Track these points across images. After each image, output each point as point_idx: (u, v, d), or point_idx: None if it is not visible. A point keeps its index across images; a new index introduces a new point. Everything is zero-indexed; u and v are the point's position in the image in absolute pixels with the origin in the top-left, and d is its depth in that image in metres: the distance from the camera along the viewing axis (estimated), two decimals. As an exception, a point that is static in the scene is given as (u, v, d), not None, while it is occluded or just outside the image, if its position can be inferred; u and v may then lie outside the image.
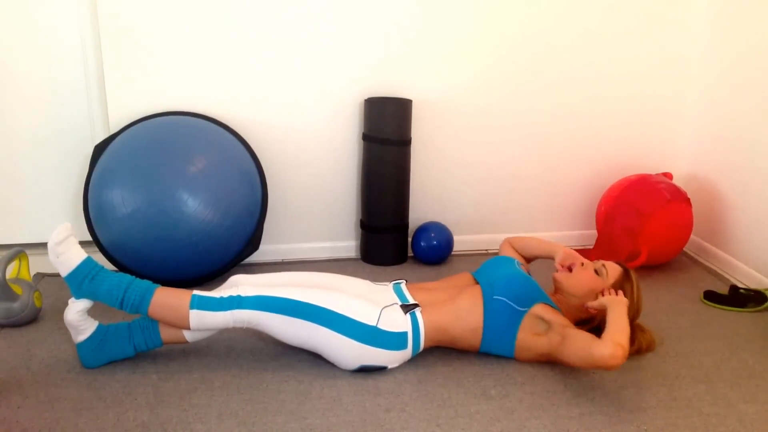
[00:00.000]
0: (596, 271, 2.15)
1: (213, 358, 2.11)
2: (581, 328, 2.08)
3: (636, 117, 3.08)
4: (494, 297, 2.07)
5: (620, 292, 2.09)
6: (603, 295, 2.10)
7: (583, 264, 2.17)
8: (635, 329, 2.16)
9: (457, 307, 2.08)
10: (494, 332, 2.07)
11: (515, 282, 2.10)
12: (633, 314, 2.12)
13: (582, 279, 2.13)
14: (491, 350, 2.11)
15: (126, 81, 2.64)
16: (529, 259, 2.42)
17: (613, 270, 2.15)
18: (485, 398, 1.93)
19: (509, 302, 2.05)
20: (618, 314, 1.96)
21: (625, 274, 2.16)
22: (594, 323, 2.12)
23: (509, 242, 2.45)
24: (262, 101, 2.74)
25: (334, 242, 2.97)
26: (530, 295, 2.07)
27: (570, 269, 2.17)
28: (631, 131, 3.09)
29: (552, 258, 2.29)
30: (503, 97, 2.92)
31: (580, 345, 1.91)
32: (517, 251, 2.42)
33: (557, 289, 2.20)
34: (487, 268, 2.26)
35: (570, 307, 2.16)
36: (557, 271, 2.21)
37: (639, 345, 2.14)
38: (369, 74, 2.79)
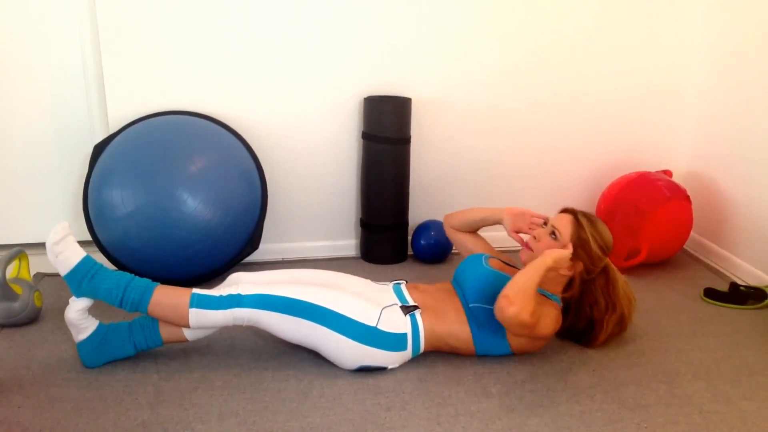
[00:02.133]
0: (552, 236, 2.11)
1: (213, 357, 2.10)
2: (565, 296, 2.12)
3: (635, 114, 3.08)
4: (470, 306, 2.07)
5: (569, 244, 2.06)
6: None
7: (536, 236, 2.13)
8: (615, 286, 2.12)
9: (448, 322, 2.07)
10: (484, 338, 2.07)
11: (483, 283, 2.08)
12: (589, 257, 2.08)
13: (541, 250, 2.09)
14: (489, 353, 2.11)
15: (125, 80, 2.63)
16: (475, 230, 2.39)
17: (564, 227, 2.10)
18: (486, 396, 1.93)
19: (486, 306, 2.05)
20: (525, 269, 1.97)
21: (576, 223, 2.10)
22: (574, 287, 2.12)
23: (448, 224, 2.42)
24: (261, 100, 2.74)
25: (333, 241, 2.97)
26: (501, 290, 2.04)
27: (528, 246, 2.15)
28: (631, 129, 3.09)
29: (500, 224, 2.27)
30: (502, 95, 2.92)
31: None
32: (457, 229, 2.40)
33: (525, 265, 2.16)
34: (459, 274, 2.23)
35: (547, 280, 2.10)
36: (514, 239, 2.22)
37: (621, 311, 2.14)
38: (368, 73, 2.79)
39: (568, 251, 2.04)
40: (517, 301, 1.87)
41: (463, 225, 2.39)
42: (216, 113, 2.72)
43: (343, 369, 2.03)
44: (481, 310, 2.05)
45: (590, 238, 2.07)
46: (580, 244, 2.07)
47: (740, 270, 2.80)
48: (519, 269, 2.21)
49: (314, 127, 2.81)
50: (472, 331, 2.06)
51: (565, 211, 2.16)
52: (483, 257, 2.23)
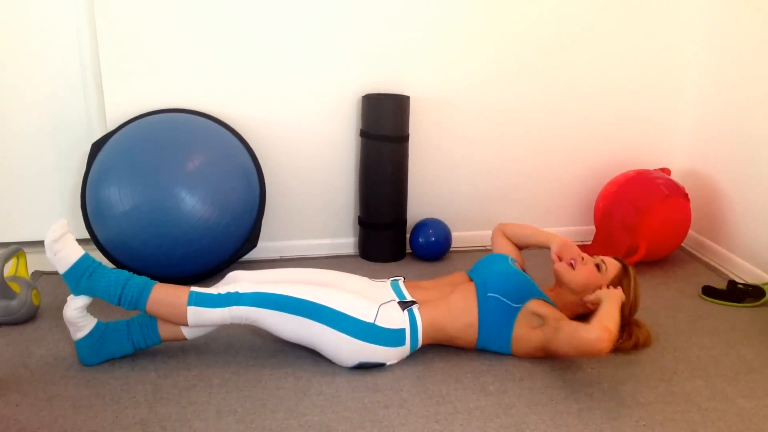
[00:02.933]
0: (597, 267, 2.15)
1: (211, 355, 2.10)
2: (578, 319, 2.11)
3: (634, 113, 3.08)
4: (488, 294, 2.07)
5: (618, 288, 2.09)
6: (601, 289, 2.10)
7: (583, 259, 2.17)
8: (631, 325, 2.16)
9: (452, 305, 2.08)
10: (490, 329, 2.07)
11: (508, 279, 2.10)
12: (629, 310, 2.14)
13: (582, 273, 2.13)
14: (488, 347, 2.11)
15: (123, 78, 2.63)
16: (521, 248, 2.40)
17: (612, 266, 2.16)
18: (484, 394, 1.93)
19: (503, 299, 2.05)
20: (609, 304, 1.97)
21: (624, 270, 2.17)
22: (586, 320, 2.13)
23: (501, 229, 2.43)
24: (259, 98, 2.74)
25: (332, 239, 2.97)
26: (524, 292, 2.07)
27: (572, 264, 2.17)
28: (630, 127, 3.09)
29: (547, 247, 2.29)
30: (501, 93, 2.92)
31: (569, 331, 1.92)
32: (509, 238, 2.41)
33: (557, 281, 2.20)
34: (480, 265, 2.25)
35: (566, 302, 2.16)
36: (554, 262, 2.21)
37: (636, 340, 2.15)
38: (366, 71, 2.78)
39: (624, 296, 2.05)
40: (612, 339, 1.86)
41: (514, 236, 2.40)
42: (214, 111, 2.72)
43: (342, 367, 2.03)
44: (496, 302, 2.06)
45: (630, 292, 2.13)
46: (617, 287, 2.11)
47: (738, 268, 2.81)
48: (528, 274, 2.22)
49: (312, 125, 2.81)
50: (480, 318, 2.06)
51: (616, 258, 2.21)
52: (509, 258, 2.27)
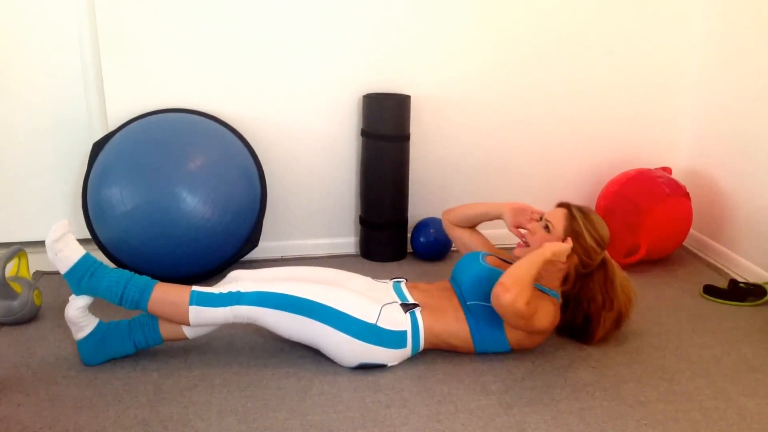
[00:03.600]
0: (546, 229, 2.11)
1: (213, 355, 2.11)
2: (564, 289, 2.12)
3: (635, 111, 3.08)
4: (468, 303, 2.07)
5: (569, 238, 2.06)
6: None
7: (531, 230, 2.14)
8: (613, 282, 2.12)
9: (446, 320, 2.07)
10: (483, 335, 2.07)
11: (480, 280, 2.08)
12: (585, 251, 2.08)
13: (536, 244, 2.09)
14: (488, 350, 2.11)
15: (124, 78, 2.63)
16: (474, 226, 2.38)
17: (557, 220, 2.10)
18: (485, 394, 1.93)
19: (483, 303, 2.05)
20: (520, 261, 1.97)
21: (569, 216, 2.10)
22: (569, 280, 2.12)
23: (447, 219, 2.41)
24: (260, 98, 2.74)
25: (333, 239, 2.97)
26: None
27: (525, 243, 2.14)
28: (631, 126, 3.09)
29: (501, 219, 2.26)
30: (501, 92, 2.92)
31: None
32: (456, 225, 2.39)
33: None
34: (456, 272, 2.23)
35: (543, 274, 2.10)
36: (515, 234, 2.20)
37: (618, 308, 2.13)
38: (367, 70, 2.78)
39: (567, 245, 2.04)
40: (513, 288, 1.87)
41: (462, 220, 2.38)
42: (215, 111, 2.72)
43: (343, 366, 2.03)
44: (479, 308, 2.05)
45: (584, 231, 2.07)
46: (573, 236, 2.07)
47: (740, 267, 2.81)
48: None
49: (313, 124, 2.81)
50: (470, 328, 2.06)
51: (559, 205, 2.17)
52: (480, 255, 2.23)
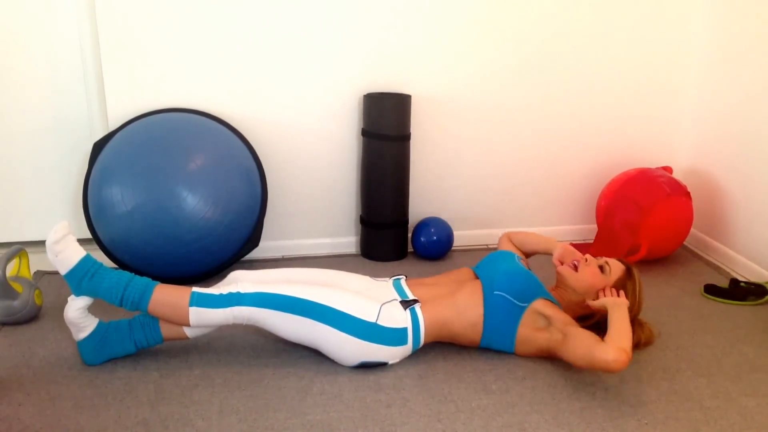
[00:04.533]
0: (600, 268, 2.15)
1: (214, 354, 2.11)
2: (581, 325, 2.08)
3: (636, 111, 3.07)
4: (494, 292, 2.07)
5: (621, 293, 2.09)
6: (604, 293, 2.10)
7: (587, 260, 2.17)
8: (634, 324, 2.16)
9: (457, 302, 2.08)
10: (494, 327, 2.07)
11: (516, 277, 2.10)
12: (634, 312, 2.12)
13: (585, 275, 2.13)
14: (491, 345, 2.11)
15: (124, 78, 2.63)
16: (527, 254, 2.41)
17: (616, 268, 2.15)
18: (486, 393, 1.93)
19: (509, 297, 2.05)
20: (620, 317, 1.96)
21: (628, 273, 2.15)
22: (593, 320, 2.12)
23: (508, 237, 2.45)
24: (261, 98, 2.74)
25: (334, 238, 2.97)
26: (530, 291, 2.07)
27: (575, 266, 2.17)
28: (631, 125, 3.09)
29: (549, 254, 2.29)
30: (502, 92, 2.92)
31: (583, 345, 1.90)
32: (515, 246, 2.42)
33: (559, 282, 2.20)
34: (487, 263, 2.26)
35: (570, 303, 2.16)
36: (557, 266, 2.21)
37: (638, 339, 2.14)
38: (368, 70, 2.78)
39: (627, 301, 2.05)
40: (629, 354, 1.85)
41: (521, 245, 2.41)
42: (216, 111, 2.72)
43: (344, 366, 2.03)
44: (503, 300, 2.05)
45: (630, 293, 2.12)
46: (623, 291, 2.11)
47: (740, 266, 2.80)
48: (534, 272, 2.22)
49: (314, 124, 2.81)
50: (485, 315, 2.06)
51: (620, 260, 2.20)
52: (516, 256, 2.27)
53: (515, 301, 2.05)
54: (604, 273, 2.13)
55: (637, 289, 2.14)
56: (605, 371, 1.87)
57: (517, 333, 2.06)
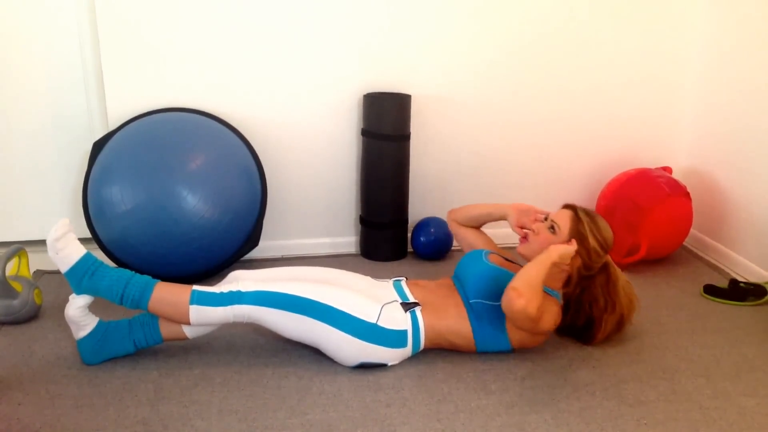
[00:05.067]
0: (551, 230, 2.11)
1: (213, 354, 2.11)
2: (564, 290, 2.11)
3: (635, 111, 3.08)
4: (471, 301, 2.07)
5: (573, 240, 2.06)
6: None
7: (535, 230, 2.14)
8: (611, 294, 2.13)
9: (448, 318, 2.07)
10: (484, 334, 2.07)
11: (483, 279, 2.09)
12: (588, 254, 2.08)
13: (541, 244, 2.10)
14: (489, 349, 2.11)
15: (124, 77, 2.63)
16: (479, 226, 2.38)
17: (563, 222, 2.10)
18: (485, 393, 1.94)
19: (486, 302, 2.05)
20: (530, 263, 1.96)
21: (576, 217, 2.10)
22: (572, 283, 2.12)
23: (452, 219, 2.42)
24: (261, 97, 2.74)
25: (333, 238, 2.97)
26: (502, 286, 2.04)
27: (526, 238, 2.15)
28: (631, 126, 3.09)
29: (505, 219, 2.27)
30: (502, 91, 2.92)
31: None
32: (461, 224, 2.40)
33: (527, 260, 2.17)
34: (459, 270, 2.23)
35: (546, 277, 2.07)
36: (519, 235, 2.19)
37: (620, 310, 2.13)
38: (367, 70, 2.78)
39: (572, 247, 2.04)
40: (526, 293, 1.87)
41: (467, 220, 2.38)
42: (216, 110, 2.72)
43: (343, 366, 2.03)
44: (482, 306, 2.05)
45: (588, 234, 2.07)
46: (578, 239, 2.07)
47: (740, 266, 2.81)
48: (519, 265, 2.21)
49: (314, 124, 2.81)
50: (472, 326, 2.06)
51: (565, 206, 2.16)
52: (483, 253, 2.23)
53: (493, 303, 2.04)
54: (555, 233, 2.10)
55: (587, 229, 2.07)
56: (519, 319, 1.91)
57: (507, 331, 2.06)
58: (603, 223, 2.12)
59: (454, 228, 2.43)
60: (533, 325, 1.95)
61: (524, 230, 2.20)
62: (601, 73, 2.99)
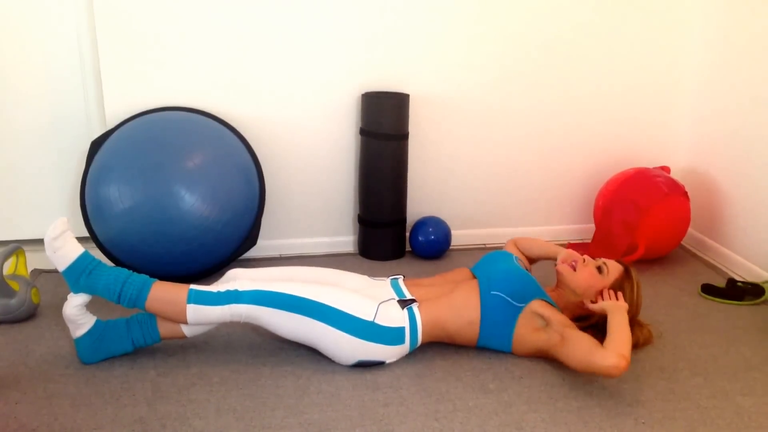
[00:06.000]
0: (598, 269, 2.15)
1: (211, 353, 2.10)
2: (579, 326, 2.08)
3: (633, 111, 3.08)
4: (491, 292, 2.07)
5: (620, 294, 2.09)
6: (602, 295, 2.10)
7: (585, 260, 2.17)
8: (633, 325, 2.16)
9: (454, 302, 2.07)
10: (491, 327, 2.07)
11: (513, 277, 2.10)
12: (632, 313, 2.12)
13: (583, 275, 2.13)
14: (489, 344, 2.11)
15: (122, 76, 2.63)
16: (532, 260, 2.42)
17: (614, 269, 2.15)
18: (483, 392, 1.94)
19: (506, 297, 2.05)
20: (620, 321, 1.96)
21: (626, 274, 2.15)
22: (591, 321, 2.12)
23: (514, 242, 2.46)
24: (259, 96, 2.74)
25: (332, 237, 2.97)
26: (528, 291, 2.07)
27: (573, 266, 2.17)
28: (629, 125, 3.09)
29: (554, 259, 2.30)
30: (501, 91, 2.92)
31: (582, 349, 1.90)
32: (520, 251, 2.43)
33: (558, 283, 2.20)
34: (485, 263, 2.26)
35: (568, 303, 2.16)
36: (557, 266, 2.21)
37: (636, 339, 2.14)
38: (366, 69, 2.78)
39: (625, 305, 2.05)
40: (628, 359, 1.85)
41: (526, 250, 2.42)
42: (214, 110, 2.72)
43: (341, 365, 2.03)
44: (500, 300, 2.05)
45: (628, 294, 2.12)
46: (621, 291, 2.11)
47: (738, 266, 2.81)
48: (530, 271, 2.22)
49: (312, 123, 2.81)
50: (482, 316, 2.06)
51: (618, 261, 2.20)
52: (514, 257, 2.27)
53: (512, 301, 2.05)
54: (602, 274, 2.13)
55: (635, 289, 2.13)
56: (604, 376, 1.88)
57: (514, 333, 2.06)
58: (640, 292, 2.16)
59: (510, 248, 2.44)
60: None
61: (573, 260, 2.19)
62: (600, 73, 2.99)
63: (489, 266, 2.20)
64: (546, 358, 2.09)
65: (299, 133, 2.81)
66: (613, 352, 1.84)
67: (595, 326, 2.11)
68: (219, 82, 2.69)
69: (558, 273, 2.18)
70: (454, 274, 2.29)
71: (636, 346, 2.16)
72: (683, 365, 2.11)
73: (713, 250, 2.96)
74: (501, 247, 2.47)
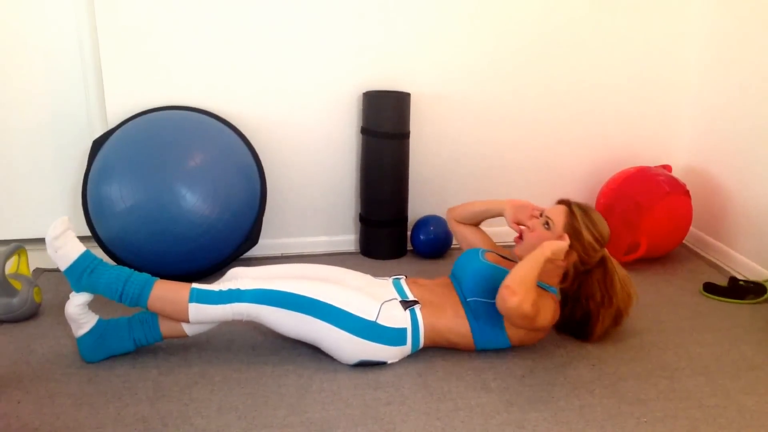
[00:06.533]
0: (546, 226, 2.11)
1: (213, 352, 2.11)
2: (562, 286, 2.11)
3: (635, 109, 3.07)
4: (468, 300, 2.07)
5: (564, 235, 2.06)
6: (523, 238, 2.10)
7: (530, 227, 2.13)
8: (612, 279, 2.12)
9: (447, 316, 2.07)
10: (483, 332, 2.07)
11: (480, 277, 2.09)
12: (583, 248, 2.08)
13: (531, 241, 2.10)
14: (488, 347, 2.11)
15: (124, 75, 2.63)
16: (477, 223, 2.39)
17: (557, 217, 2.10)
18: (485, 391, 1.94)
19: (483, 300, 2.05)
20: (523, 261, 1.96)
21: (569, 213, 2.10)
22: (569, 278, 2.12)
23: (452, 217, 2.42)
24: (260, 95, 2.74)
25: (332, 236, 2.97)
26: (498, 284, 2.01)
27: (520, 236, 2.15)
28: (631, 123, 3.09)
29: (502, 216, 2.26)
30: (502, 89, 2.92)
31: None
32: (459, 222, 2.40)
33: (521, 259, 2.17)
34: (457, 268, 2.23)
35: (543, 273, 2.09)
36: (516, 232, 2.19)
37: (616, 304, 2.13)
38: (367, 68, 2.78)
39: (565, 242, 2.04)
40: (519, 291, 1.87)
41: (465, 217, 2.39)
42: (215, 108, 2.72)
43: (343, 364, 2.03)
44: (479, 304, 2.05)
45: (583, 228, 2.07)
46: (572, 233, 2.07)
47: (739, 264, 2.81)
48: (516, 263, 2.21)
49: (313, 122, 2.81)
50: (470, 325, 2.06)
51: (560, 202, 2.17)
52: (480, 251, 2.23)
53: (490, 301, 2.04)
54: (549, 229, 2.10)
55: (581, 223, 2.07)
56: (513, 316, 1.90)
57: (505, 328, 2.06)
58: (598, 217, 2.12)
59: (453, 226, 2.44)
60: (529, 322, 1.95)
61: (520, 227, 2.19)
62: (601, 70, 2.98)
63: (460, 272, 2.19)
64: (543, 331, 2.08)
65: (300, 132, 2.81)
66: (501, 286, 1.88)
67: (580, 287, 2.13)
68: (220, 81, 2.69)
69: (517, 256, 2.16)
70: (441, 281, 2.24)
71: (620, 312, 2.14)
72: (685, 364, 2.11)
73: (715, 248, 2.96)
74: (501, 245, 2.46)
